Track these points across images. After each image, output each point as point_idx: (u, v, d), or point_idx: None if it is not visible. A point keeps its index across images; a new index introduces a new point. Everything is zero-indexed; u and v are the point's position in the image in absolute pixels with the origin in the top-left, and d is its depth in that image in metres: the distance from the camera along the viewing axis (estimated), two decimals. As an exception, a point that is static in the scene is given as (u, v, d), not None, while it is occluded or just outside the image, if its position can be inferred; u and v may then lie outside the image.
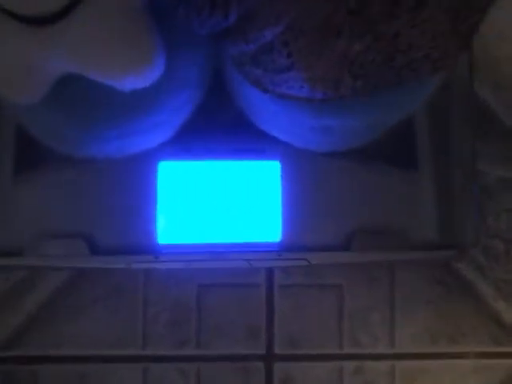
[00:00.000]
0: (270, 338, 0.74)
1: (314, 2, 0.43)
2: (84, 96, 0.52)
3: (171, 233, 0.65)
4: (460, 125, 0.68)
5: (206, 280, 0.73)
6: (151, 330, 0.73)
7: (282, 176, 0.65)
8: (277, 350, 0.74)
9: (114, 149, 0.58)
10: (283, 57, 0.47)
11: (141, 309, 0.73)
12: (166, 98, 0.54)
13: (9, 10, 0.43)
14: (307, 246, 0.65)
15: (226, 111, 0.65)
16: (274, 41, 0.47)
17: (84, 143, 0.57)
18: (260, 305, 0.74)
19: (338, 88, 0.48)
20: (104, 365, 0.73)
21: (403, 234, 0.66)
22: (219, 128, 0.66)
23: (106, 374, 0.73)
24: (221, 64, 0.61)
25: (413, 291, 0.75)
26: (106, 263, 0.64)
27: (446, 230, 0.67)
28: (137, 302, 0.73)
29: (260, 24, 0.45)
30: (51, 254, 0.65)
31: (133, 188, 0.65)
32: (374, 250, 0.66)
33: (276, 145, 0.65)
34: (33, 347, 0.72)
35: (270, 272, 0.73)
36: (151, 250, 0.65)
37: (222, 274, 0.72)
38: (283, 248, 0.65)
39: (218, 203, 0.66)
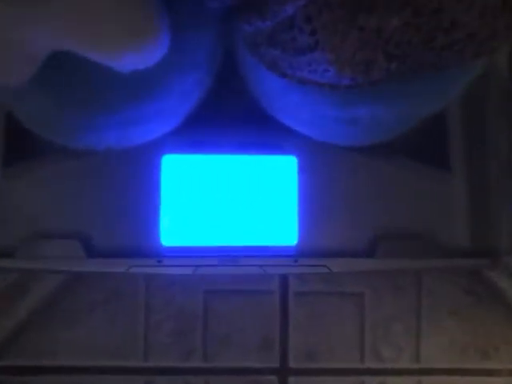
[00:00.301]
0: (284, 350, 0.69)
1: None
2: (77, 78, 0.47)
3: (176, 234, 0.60)
4: (497, 118, 0.62)
5: (214, 286, 0.67)
6: (154, 339, 0.68)
7: (298, 172, 0.61)
8: (291, 364, 0.69)
9: (114, 139, 0.53)
10: (305, 35, 0.42)
11: (142, 316, 0.67)
12: (170, 82, 0.49)
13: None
14: (326, 250, 0.61)
15: (238, 99, 0.60)
16: (294, 16, 0.41)
17: (79, 132, 0.51)
18: (273, 313, 0.69)
19: (370, 72, 0.42)
20: (102, 376, 0.67)
21: (432, 240, 0.62)
22: (230, 118, 0.61)
23: (105, 386, 0.68)
24: (233, 46, 0.55)
25: (440, 301, 0.70)
26: (103, 267, 0.59)
27: (480, 235, 0.63)
28: (138, 309, 0.67)
29: (279, -5, 0.40)
30: (44, 255, 0.60)
31: (134, 184, 0.60)
32: (400, 257, 0.60)
33: (293, 137, 0.60)
34: (25, 356, 0.67)
35: (284, 278, 0.68)
36: (154, 252, 0.60)
37: (231, 279, 0.67)
38: (300, 253, 0.61)
39: (228, 202, 0.61)
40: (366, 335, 0.69)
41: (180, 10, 0.47)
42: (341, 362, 0.69)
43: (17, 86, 0.46)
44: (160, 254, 0.59)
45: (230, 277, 0.66)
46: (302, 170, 0.61)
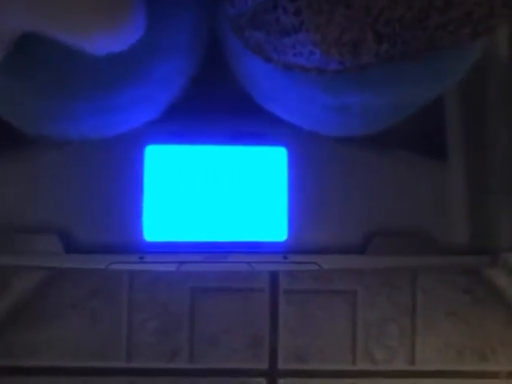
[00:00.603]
0: (273, 351, 0.66)
1: None
2: (48, 63, 0.44)
3: (160, 229, 0.57)
4: (498, 107, 0.59)
5: (201, 283, 0.65)
6: (137, 338, 0.65)
7: (288, 165, 0.58)
8: (281, 365, 0.66)
9: (90, 128, 0.50)
10: (289, 15, 0.40)
11: (125, 314, 0.65)
12: (148, 67, 0.46)
13: None
14: (317, 247, 0.58)
15: (225, 87, 0.57)
16: (278, -6, 0.38)
17: (52, 121, 0.49)
18: (262, 312, 0.66)
19: (358, 54, 0.39)
20: (83, 378, 0.65)
21: (428, 236, 0.59)
22: (217, 107, 0.58)
23: (86, 388, 0.65)
24: (219, 31, 0.52)
25: (436, 300, 0.67)
26: (82, 263, 0.57)
27: (478, 231, 0.60)
28: (121, 307, 0.65)
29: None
30: (21, 251, 0.57)
31: (115, 176, 0.58)
32: (393, 254, 0.57)
33: (282, 128, 0.57)
34: (1, 356, 0.64)
35: (274, 275, 0.65)
36: (136, 248, 0.57)
37: (218, 276, 0.64)
38: (290, 249, 0.58)
39: (215, 195, 0.58)
40: (358, 336, 0.66)
41: None
42: (332, 363, 0.66)
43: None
44: (143, 250, 0.57)
45: (217, 274, 0.64)
46: (292, 162, 0.58)
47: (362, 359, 0.66)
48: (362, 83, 0.44)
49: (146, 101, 0.51)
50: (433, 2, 0.37)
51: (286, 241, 0.57)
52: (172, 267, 0.56)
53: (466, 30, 0.39)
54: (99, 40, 0.41)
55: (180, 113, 0.56)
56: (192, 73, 0.53)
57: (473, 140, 0.59)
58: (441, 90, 0.49)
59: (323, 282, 0.66)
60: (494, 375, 0.67)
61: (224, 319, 0.65)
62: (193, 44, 0.50)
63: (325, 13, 0.38)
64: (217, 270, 0.57)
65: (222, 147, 0.58)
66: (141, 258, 0.56)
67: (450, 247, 0.59)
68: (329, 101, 0.47)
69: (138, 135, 0.56)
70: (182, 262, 0.56)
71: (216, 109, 0.58)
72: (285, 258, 0.56)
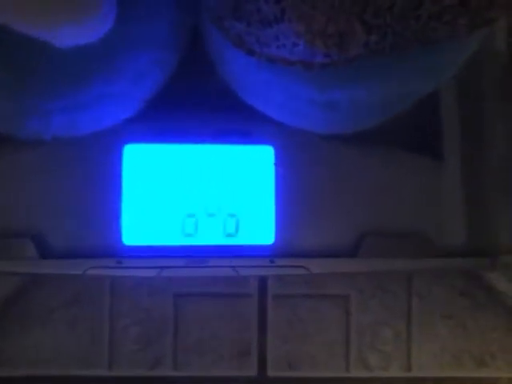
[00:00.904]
0: (262, 358, 0.63)
1: None
2: (12, 58, 0.41)
3: (139, 232, 0.55)
4: (495, 105, 0.56)
5: (185, 288, 0.62)
6: (119, 346, 0.62)
7: (275, 164, 0.55)
8: (270, 372, 0.63)
9: (61, 127, 0.47)
10: (271, 4, 0.37)
11: (107, 321, 0.62)
12: (121, 60, 0.44)
13: None
14: (306, 250, 0.55)
15: (208, 83, 0.55)
16: (258, -19, 0.35)
17: (20, 119, 0.45)
18: (250, 318, 0.63)
19: (345, 46, 0.36)
20: (62, 387, 0.61)
21: (423, 238, 0.56)
22: (199, 103, 0.56)
23: (67, 398, 0.62)
24: (201, 24, 0.49)
25: (432, 304, 0.64)
26: (58, 269, 0.54)
27: (476, 232, 0.57)
28: (102, 313, 0.61)
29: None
30: (-7, 256, 0.54)
31: (92, 177, 0.55)
32: (387, 257, 0.55)
33: (268, 125, 0.54)
34: (-24, 366, 0.61)
35: (262, 279, 0.62)
36: (114, 252, 0.54)
37: (203, 281, 0.61)
38: (277, 253, 0.55)
39: (197, 196, 0.55)
40: (351, 341, 0.63)
41: None
42: (324, 370, 0.63)
43: None
44: (121, 254, 0.54)
45: (202, 278, 0.60)
46: (280, 161, 0.55)
47: (355, 366, 0.63)
48: (350, 77, 0.41)
49: (121, 97, 0.48)
50: (426, -11, 0.34)
51: (273, 244, 0.55)
52: (153, 273, 0.53)
53: (463, 20, 0.36)
54: (64, 31, 0.38)
55: (161, 110, 0.53)
56: (172, 68, 0.50)
57: (469, 138, 0.56)
58: (435, 84, 0.46)
59: (314, 285, 0.63)
60: (494, 382, 0.64)
61: (210, 325, 0.62)
62: (172, 38, 0.47)
63: (308, 1, 0.35)
64: (200, 275, 0.54)
65: (205, 146, 0.55)
66: (119, 262, 0.53)
67: (446, 249, 0.57)
68: (315, 96, 0.44)
69: (116, 133, 0.54)
70: (163, 267, 0.53)
71: (199, 105, 0.55)
72: (272, 262, 0.54)
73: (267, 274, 0.59)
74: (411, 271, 0.61)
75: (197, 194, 0.54)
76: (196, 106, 0.55)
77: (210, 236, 0.54)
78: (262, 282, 0.62)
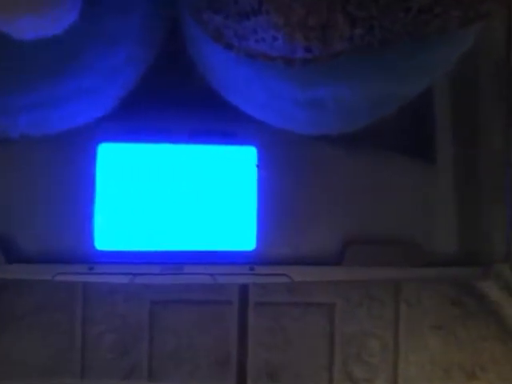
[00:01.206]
0: (241, 368, 0.60)
1: None
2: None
3: (112, 236, 0.52)
4: (491, 104, 0.54)
5: (162, 295, 0.59)
6: (92, 354, 0.59)
7: (257, 166, 0.53)
8: (250, 383, 0.60)
9: (29, 125, 0.44)
10: None
11: (79, 328, 0.59)
12: (90, 55, 0.41)
13: None
14: (288, 257, 0.53)
15: (185, 79, 0.52)
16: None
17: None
18: (230, 326, 0.60)
19: (329, 40, 0.34)
20: (32, 398, 0.59)
21: (412, 245, 0.54)
22: (177, 101, 0.53)
23: (37, 408, 0.60)
24: (179, 20, 0.46)
25: (421, 313, 0.61)
26: (26, 274, 0.52)
27: (468, 240, 0.55)
28: (74, 320, 0.59)
29: None
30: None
31: (64, 177, 0.52)
32: (374, 265, 0.52)
33: (251, 125, 0.51)
34: None
35: (243, 287, 0.60)
36: (86, 257, 0.52)
37: (181, 287, 0.58)
38: (258, 260, 0.53)
39: (174, 199, 0.52)
40: (336, 352, 0.61)
41: None
42: (306, 382, 0.61)
43: None
44: (93, 260, 0.52)
45: (180, 285, 0.58)
46: (262, 162, 0.53)
47: (339, 378, 0.61)
48: (333, 75, 0.38)
49: (93, 93, 0.45)
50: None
51: (254, 250, 0.53)
52: (125, 279, 0.51)
53: (455, 12, 0.34)
54: (24, 23, 0.35)
55: (137, 107, 0.51)
56: (147, 64, 0.47)
57: (463, 142, 0.54)
58: (426, 83, 0.44)
59: (298, 293, 0.60)
60: (484, 396, 0.62)
61: (187, 333, 0.60)
62: (146, 32, 0.44)
63: (288, -9, 0.32)
64: (175, 282, 0.52)
65: (183, 146, 0.53)
66: (91, 268, 0.50)
67: (436, 257, 0.55)
68: (297, 95, 0.41)
69: (90, 132, 0.51)
70: (136, 274, 0.50)
71: (177, 104, 0.53)
72: (252, 269, 0.52)
73: (247, 282, 0.57)
74: (399, 280, 0.59)
75: (173, 197, 0.52)
76: (174, 103, 0.53)
77: (187, 241, 0.52)
78: (243, 289, 0.60)
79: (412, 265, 0.53)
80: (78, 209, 0.52)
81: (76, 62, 0.41)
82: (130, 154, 0.52)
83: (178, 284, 0.57)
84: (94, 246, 0.51)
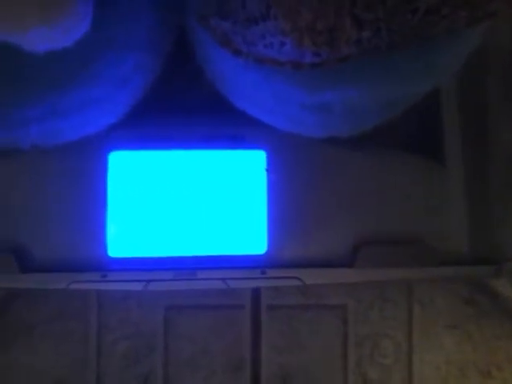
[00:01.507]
0: (255, 372, 0.60)
1: None
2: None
3: (125, 243, 0.52)
4: (500, 104, 0.53)
5: (176, 301, 0.59)
6: (107, 362, 0.59)
7: (267, 170, 0.53)
8: (264, 387, 0.60)
9: (41, 135, 0.44)
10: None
11: (94, 336, 0.59)
12: (100, 65, 0.41)
13: None
14: (300, 260, 0.53)
15: (195, 86, 0.53)
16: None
17: (-1, 128, 0.43)
18: (243, 331, 0.60)
19: (336, 43, 0.34)
20: (47, 406, 0.59)
21: (424, 245, 0.53)
22: (187, 108, 0.53)
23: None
24: (187, 27, 0.46)
25: (435, 313, 0.61)
26: (40, 283, 0.52)
27: (480, 238, 0.55)
28: (88, 328, 0.59)
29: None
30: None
31: (76, 186, 0.52)
32: (386, 266, 0.52)
33: (260, 129, 0.52)
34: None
35: (256, 290, 0.60)
36: (99, 265, 0.52)
37: (194, 292, 0.58)
38: (269, 263, 0.53)
39: (186, 205, 0.52)
40: (349, 354, 0.60)
41: None
42: (321, 385, 0.60)
43: None
44: (106, 267, 0.52)
45: (194, 290, 0.58)
46: (272, 166, 0.53)
47: (354, 380, 0.60)
48: (341, 79, 0.38)
49: (103, 102, 0.46)
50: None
51: (265, 254, 0.52)
52: (139, 286, 0.51)
53: (463, 12, 0.34)
54: (36, 35, 0.35)
55: (146, 115, 0.51)
56: (156, 71, 0.47)
57: (472, 141, 0.54)
58: (433, 84, 0.44)
59: (310, 295, 0.60)
60: (500, 395, 0.62)
61: (201, 339, 0.60)
62: (154, 40, 0.45)
63: (295, -4, 0.32)
64: (188, 288, 0.52)
65: (193, 152, 0.53)
66: (104, 276, 0.51)
67: (448, 256, 0.54)
68: (305, 99, 0.41)
69: (100, 141, 0.51)
70: (149, 281, 0.51)
71: (187, 110, 0.53)
72: (263, 273, 0.51)
73: (259, 286, 0.57)
74: (411, 281, 0.59)
75: (185, 203, 0.52)
76: (183, 110, 0.53)
77: (199, 247, 0.52)
78: (256, 292, 0.60)
79: (424, 265, 0.53)
80: (91, 217, 0.52)
81: (86, 72, 0.41)
82: (141, 161, 0.52)
83: (191, 289, 0.58)
84: (107, 254, 0.51)
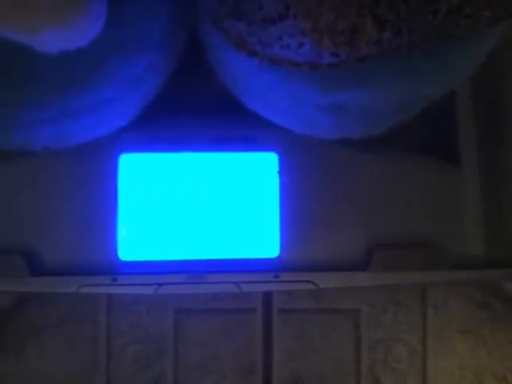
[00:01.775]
0: (267, 377, 0.60)
1: None
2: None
3: (135, 246, 0.51)
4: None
5: (186, 304, 0.59)
6: (117, 366, 0.59)
7: (279, 172, 0.52)
8: (276, 392, 0.59)
9: (50, 137, 0.44)
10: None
11: (104, 340, 0.58)
12: (112, 66, 0.41)
13: None
14: (313, 263, 0.52)
15: (207, 87, 0.52)
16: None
17: (9, 131, 0.43)
18: (255, 334, 0.59)
19: (356, 44, 0.33)
20: (57, 411, 0.58)
21: (438, 249, 0.52)
22: (198, 109, 0.52)
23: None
24: (199, 27, 0.46)
25: (449, 317, 0.60)
26: (49, 287, 0.51)
27: (495, 242, 0.54)
28: (98, 332, 0.58)
29: None
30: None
31: (86, 189, 0.51)
32: (400, 270, 0.51)
33: (272, 131, 0.51)
34: (-34, 389, 0.58)
35: (267, 294, 0.59)
36: (109, 268, 0.51)
37: (204, 296, 0.58)
38: (282, 266, 0.52)
39: (197, 208, 0.51)
40: (362, 359, 0.60)
41: None
42: (334, 390, 0.59)
43: None
44: (117, 270, 0.51)
45: (203, 294, 0.57)
46: (284, 168, 0.52)
47: (367, 385, 0.60)
48: (358, 79, 0.38)
49: (115, 104, 0.45)
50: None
51: (277, 257, 0.51)
52: (149, 290, 0.50)
53: (485, 12, 0.33)
54: (49, 36, 0.35)
55: (157, 116, 0.50)
56: (168, 72, 0.47)
57: (488, 143, 0.53)
58: (450, 85, 0.43)
59: (322, 299, 0.59)
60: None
61: (212, 343, 0.59)
62: (167, 41, 0.44)
63: (314, -5, 0.31)
64: (200, 291, 0.51)
65: (204, 154, 0.52)
66: (114, 280, 0.50)
67: (462, 260, 0.53)
68: (319, 100, 0.41)
69: (111, 143, 0.51)
70: (160, 284, 0.50)
71: (198, 112, 0.52)
72: (276, 276, 0.50)
73: (272, 289, 0.56)
74: (426, 284, 0.58)
75: (196, 206, 0.51)
76: (195, 111, 0.52)
77: (211, 250, 0.51)
78: (267, 295, 0.59)
79: (438, 268, 0.52)
80: (101, 220, 0.51)
81: (99, 72, 0.41)
82: (151, 164, 0.51)
83: (201, 293, 0.57)
84: (117, 257, 0.51)
